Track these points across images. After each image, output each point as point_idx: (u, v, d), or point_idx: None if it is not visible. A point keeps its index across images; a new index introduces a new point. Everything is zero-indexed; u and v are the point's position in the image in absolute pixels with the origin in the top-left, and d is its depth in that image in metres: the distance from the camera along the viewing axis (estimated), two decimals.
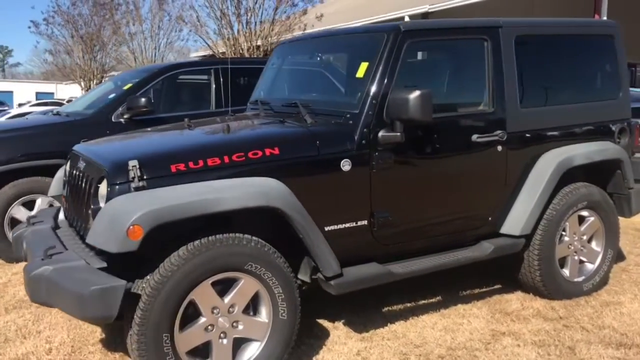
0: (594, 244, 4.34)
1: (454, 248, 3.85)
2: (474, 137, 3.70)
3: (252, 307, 3.12)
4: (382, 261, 3.59)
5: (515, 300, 4.21)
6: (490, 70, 3.79)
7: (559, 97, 4.17)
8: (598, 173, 4.38)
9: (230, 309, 3.01)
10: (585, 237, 4.27)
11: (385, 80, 3.42)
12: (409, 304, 4.16)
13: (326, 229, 3.32)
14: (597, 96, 4.37)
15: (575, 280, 4.25)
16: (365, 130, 3.37)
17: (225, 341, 3.01)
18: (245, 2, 15.17)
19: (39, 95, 47.47)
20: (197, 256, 2.84)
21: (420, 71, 3.90)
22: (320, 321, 3.90)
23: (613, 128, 4.37)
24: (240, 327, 3.05)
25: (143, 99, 5.64)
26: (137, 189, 2.88)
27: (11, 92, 49.17)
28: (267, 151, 3.18)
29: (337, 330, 3.78)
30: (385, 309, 4.10)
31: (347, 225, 3.39)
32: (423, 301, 4.22)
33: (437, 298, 4.26)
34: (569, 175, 4.07)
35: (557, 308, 4.06)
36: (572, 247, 4.22)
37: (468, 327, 3.78)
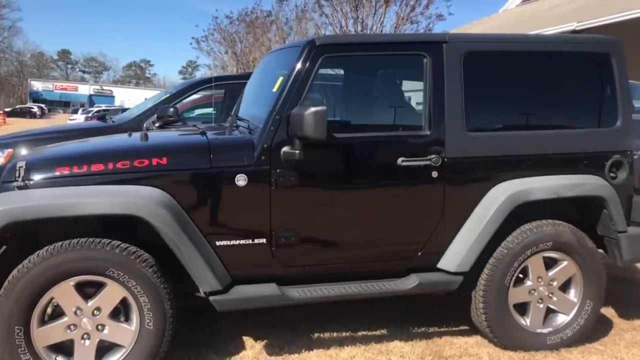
0: (571, 293, 3.77)
1: (382, 278, 3.57)
2: (400, 160, 3.42)
3: (124, 312, 3.17)
4: (295, 283, 3.45)
5: (461, 344, 3.78)
6: (428, 90, 3.48)
7: (524, 122, 3.70)
8: (588, 212, 3.82)
9: (95, 312, 3.08)
10: (555, 283, 3.72)
11: (293, 96, 3.30)
12: (344, 333, 3.93)
13: (218, 243, 3.28)
14: (583, 123, 3.79)
15: (538, 331, 3.71)
16: (265, 145, 3.27)
17: (88, 342, 3.09)
18: (368, 22, 15.37)
19: None
20: (54, 256, 2.96)
21: (338, 88, 3.68)
22: (244, 338, 3.83)
23: (604, 161, 3.77)
24: (106, 331, 3.11)
25: (171, 109, 5.94)
26: (20, 187, 3.08)
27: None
28: (155, 161, 3.21)
29: (251, 350, 3.68)
30: (317, 334, 3.91)
31: (243, 242, 3.32)
32: (363, 332, 3.95)
33: (380, 330, 3.97)
34: (534, 211, 3.60)
35: None
36: (536, 293, 3.70)
37: None
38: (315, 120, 3.08)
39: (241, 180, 3.25)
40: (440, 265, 3.59)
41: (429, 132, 3.48)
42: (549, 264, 3.72)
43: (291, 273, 3.44)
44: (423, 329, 4.02)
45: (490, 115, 3.65)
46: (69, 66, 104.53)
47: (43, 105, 61.40)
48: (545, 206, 3.64)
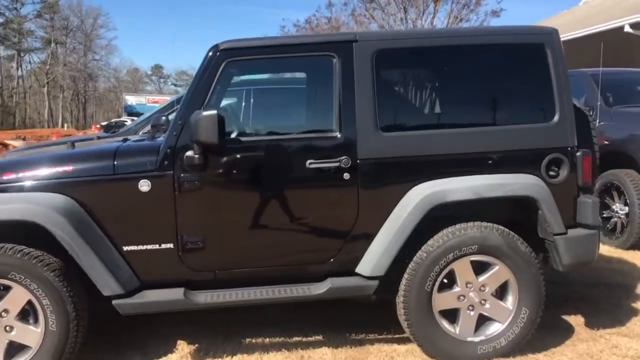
0: (507, 300, 3.55)
1: (298, 282, 3.52)
2: (308, 162, 3.36)
3: (33, 314, 3.29)
4: (207, 287, 3.47)
5: (389, 352, 3.65)
6: (338, 90, 3.40)
7: (446, 120, 3.53)
8: (532, 214, 3.59)
9: (3, 314, 3.23)
10: (487, 289, 3.52)
11: (195, 101, 3.33)
12: (278, 338, 3.89)
13: (125, 248, 3.35)
14: (514, 119, 3.56)
15: (469, 339, 3.52)
16: (168, 150, 3.32)
17: None
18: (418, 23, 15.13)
19: None
20: None
21: (245, 92, 3.65)
22: (179, 342, 3.87)
23: (540, 159, 3.53)
24: (14, 332, 3.25)
25: (163, 118, 6.12)
26: None
27: None
28: (61, 169, 3.33)
29: (177, 354, 3.72)
30: (249, 339, 3.89)
31: (150, 247, 3.37)
32: (297, 337, 3.89)
33: (315, 336, 3.90)
34: (470, 213, 3.46)
35: None
36: (466, 300, 3.51)
37: None
38: (206, 124, 3.09)
39: (145, 185, 3.31)
40: (357, 269, 3.48)
41: (338, 134, 3.40)
42: (481, 268, 3.52)
43: (201, 277, 3.45)
44: (360, 335, 3.90)
45: (407, 114, 3.53)
46: (162, 80, 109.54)
47: (135, 118, 64.53)
48: (484, 208, 3.46)
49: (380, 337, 3.87)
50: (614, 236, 6.50)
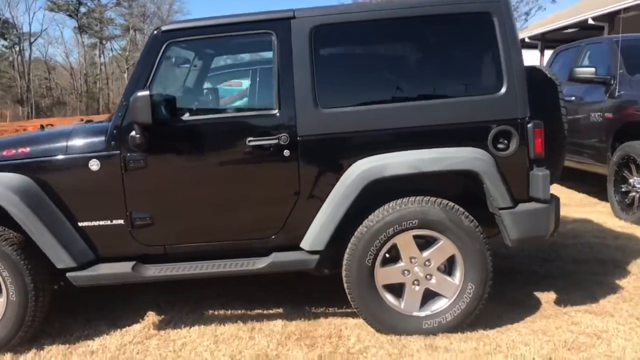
0: (456, 275, 3.51)
1: (246, 256, 3.62)
2: (248, 140, 3.44)
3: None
4: (159, 261, 3.64)
5: (338, 325, 3.70)
6: (278, 68, 3.44)
7: (388, 95, 3.50)
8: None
9: None
10: (433, 264, 3.50)
11: (138, 82, 3.46)
12: (240, 311, 4.02)
13: (80, 224, 3.56)
14: (458, 92, 3.48)
15: (414, 314, 3.52)
16: (115, 131, 3.48)
17: None
18: None
19: None
20: None
21: (189, 73, 3.73)
22: (149, 312, 4.07)
23: (486, 131, 3.45)
24: None
25: None
26: None
27: None
28: (20, 150, 3.57)
29: (141, 324, 3.91)
30: (211, 311, 4.04)
31: (103, 223, 3.56)
32: (259, 310, 4.01)
33: (276, 309, 4.00)
34: (422, 188, 3.47)
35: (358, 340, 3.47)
36: (410, 274, 3.50)
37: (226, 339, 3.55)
38: (140, 105, 3.23)
39: (94, 165, 3.49)
40: (301, 244, 3.55)
41: (277, 111, 3.45)
42: (426, 243, 3.50)
43: (153, 252, 3.62)
44: (320, 309, 3.97)
45: (346, 90, 3.51)
46: None
47: None
48: (442, 183, 3.49)
49: (337, 310, 3.92)
50: (631, 211, 6.20)
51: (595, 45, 7.78)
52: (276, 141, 3.42)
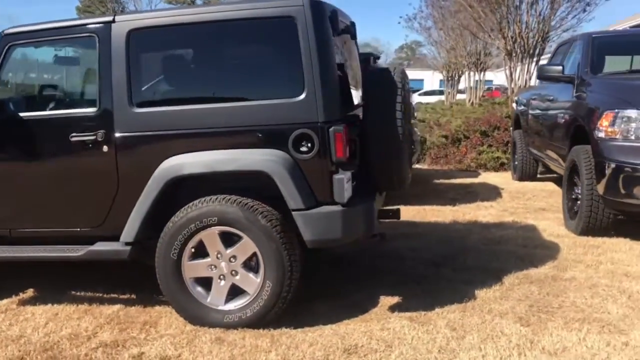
0: (259, 272, 3.61)
1: (77, 244, 3.91)
2: (71, 135, 3.73)
3: None
4: (7, 243, 4.02)
5: (155, 314, 3.93)
6: (100, 69, 3.70)
7: (195, 97, 3.65)
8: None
9: None
10: (237, 261, 3.63)
11: None
12: (98, 294, 4.33)
13: None
14: (258, 95, 3.56)
15: (220, 308, 3.67)
16: None
17: None
18: None
19: None
20: None
21: (27, 73, 4.04)
22: (29, 289, 4.48)
23: (286, 134, 3.51)
24: None
25: None
26: None
27: None
28: None
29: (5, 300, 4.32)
30: (77, 293, 4.37)
31: None
32: (115, 295, 4.31)
33: (123, 295, 4.28)
34: (231, 187, 3.62)
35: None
36: (216, 269, 3.66)
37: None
38: None
39: None
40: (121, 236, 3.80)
41: (97, 110, 3.71)
42: (232, 240, 3.64)
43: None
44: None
45: (159, 91, 3.72)
46: None
47: None
48: (252, 184, 3.59)
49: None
50: (575, 220, 5.89)
51: (579, 42, 7.39)
52: (94, 137, 3.69)
